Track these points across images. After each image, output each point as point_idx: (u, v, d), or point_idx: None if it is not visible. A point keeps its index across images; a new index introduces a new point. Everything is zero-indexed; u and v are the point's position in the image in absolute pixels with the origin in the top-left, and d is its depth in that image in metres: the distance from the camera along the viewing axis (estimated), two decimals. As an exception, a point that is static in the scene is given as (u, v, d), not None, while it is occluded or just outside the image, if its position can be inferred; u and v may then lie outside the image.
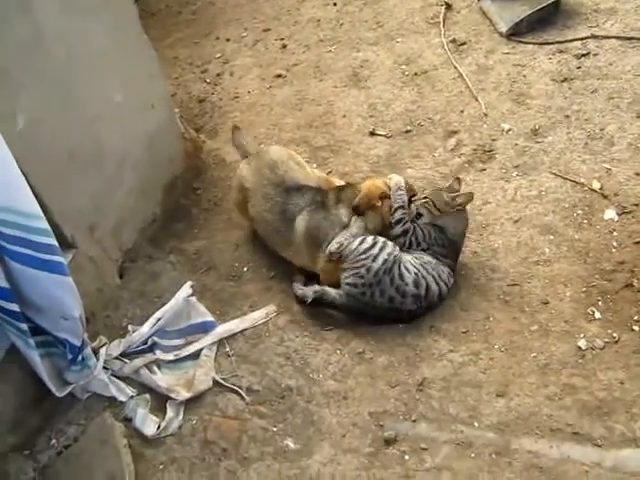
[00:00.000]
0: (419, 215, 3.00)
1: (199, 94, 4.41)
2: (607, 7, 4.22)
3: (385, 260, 2.82)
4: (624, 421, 2.46)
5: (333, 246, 2.93)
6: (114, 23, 2.97)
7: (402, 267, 2.84)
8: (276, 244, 3.20)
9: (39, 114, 2.54)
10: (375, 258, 2.83)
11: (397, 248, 2.91)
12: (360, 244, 2.88)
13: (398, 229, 2.96)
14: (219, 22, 5.06)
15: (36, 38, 2.51)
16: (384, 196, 2.99)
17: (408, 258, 2.90)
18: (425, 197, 2.99)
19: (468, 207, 3.25)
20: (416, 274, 2.84)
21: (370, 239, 2.90)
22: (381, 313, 2.88)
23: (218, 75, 4.55)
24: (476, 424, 2.54)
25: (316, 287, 2.96)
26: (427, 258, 2.92)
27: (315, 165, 3.63)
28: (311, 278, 3.09)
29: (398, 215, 2.96)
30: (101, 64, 2.92)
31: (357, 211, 2.99)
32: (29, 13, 2.46)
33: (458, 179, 3.06)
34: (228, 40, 4.85)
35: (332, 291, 2.92)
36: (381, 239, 2.91)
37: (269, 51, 4.66)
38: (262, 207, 3.15)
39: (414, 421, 2.58)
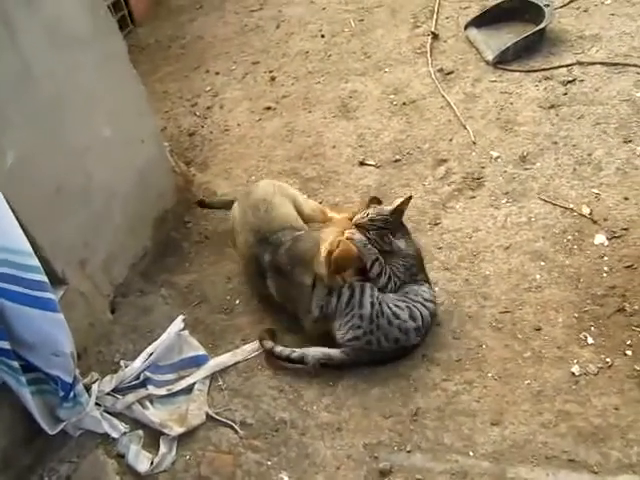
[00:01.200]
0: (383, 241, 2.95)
1: (189, 127, 4.44)
2: (591, 34, 4.27)
3: (372, 303, 2.79)
4: (620, 447, 2.44)
5: (315, 313, 2.90)
6: (103, 58, 2.99)
7: (392, 306, 2.80)
8: (267, 295, 3.16)
9: (27, 150, 2.55)
10: (361, 304, 2.79)
11: (375, 287, 2.87)
12: (339, 299, 2.84)
13: (383, 280, 2.89)
14: (208, 56, 5.11)
15: (24, 74, 2.54)
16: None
17: (391, 297, 2.86)
18: (369, 222, 2.92)
19: (459, 235, 3.28)
20: (407, 307, 2.81)
21: (346, 289, 2.85)
22: (390, 356, 2.83)
23: (208, 108, 4.58)
24: (471, 453, 2.52)
25: (318, 353, 2.84)
26: (406, 288, 2.91)
27: (306, 196, 3.62)
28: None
29: (376, 269, 2.88)
30: (90, 99, 2.94)
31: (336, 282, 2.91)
32: (17, 49, 2.48)
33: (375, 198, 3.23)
34: (217, 73, 4.90)
35: (336, 353, 2.83)
36: (356, 284, 2.86)
37: (258, 84, 4.70)
38: (244, 254, 3.17)
39: (409, 452, 2.57)
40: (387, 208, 2.95)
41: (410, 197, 2.96)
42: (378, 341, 2.77)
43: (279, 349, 2.91)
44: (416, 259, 2.97)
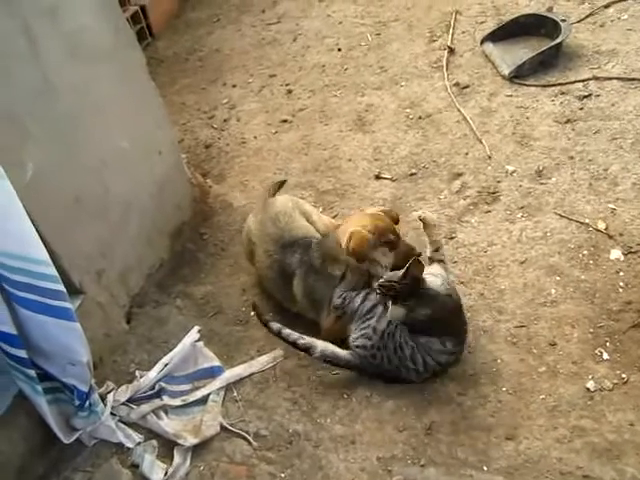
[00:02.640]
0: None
1: (206, 139, 4.47)
2: (608, 49, 4.27)
3: (389, 322, 2.77)
4: (635, 463, 2.43)
5: (336, 301, 2.92)
6: (121, 71, 3.03)
7: (403, 339, 2.74)
8: (282, 300, 3.20)
9: (47, 162, 2.58)
10: (380, 318, 2.79)
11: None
12: (363, 301, 2.86)
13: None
14: (226, 68, 5.16)
15: (45, 87, 2.57)
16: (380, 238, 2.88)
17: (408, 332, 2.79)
18: (378, 292, 2.72)
19: (474, 249, 3.27)
20: (412, 348, 2.73)
21: (373, 297, 2.85)
22: (388, 379, 2.82)
23: (225, 121, 4.61)
24: (485, 468, 2.51)
25: (327, 350, 2.85)
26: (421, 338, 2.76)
27: (321, 209, 3.65)
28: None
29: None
30: (108, 111, 2.97)
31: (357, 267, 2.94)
32: (38, 62, 2.52)
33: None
34: (234, 86, 4.94)
35: (343, 353, 2.83)
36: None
37: (275, 96, 4.73)
38: (264, 264, 3.15)
39: (422, 466, 2.56)
40: (399, 273, 2.66)
41: (419, 255, 2.83)
42: (382, 359, 2.76)
43: (287, 331, 2.94)
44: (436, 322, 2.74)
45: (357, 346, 2.81)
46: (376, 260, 2.90)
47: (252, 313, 3.25)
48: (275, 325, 3.01)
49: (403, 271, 2.61)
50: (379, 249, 2.89)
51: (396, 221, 3.03)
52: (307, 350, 2.87)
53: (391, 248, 2.91)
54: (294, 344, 2.92)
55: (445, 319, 2.73)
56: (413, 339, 2.74)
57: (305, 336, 2.91)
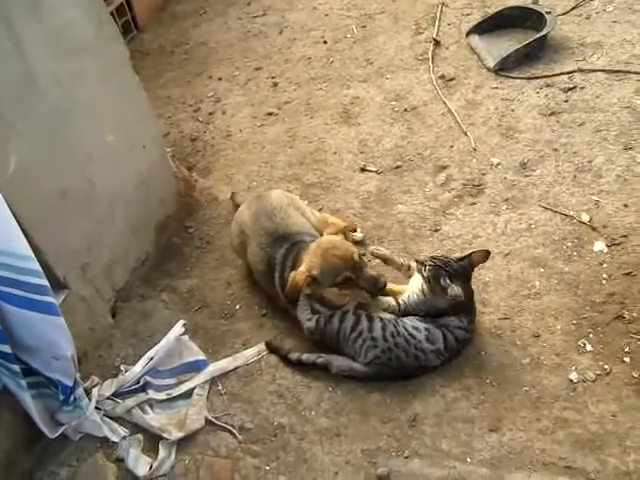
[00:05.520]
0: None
1: (192, 133, 4.46)
2: (593, 41, 4.29)
3: (382, 326, 2.77)
4: (617, 454, 2.45)
5: (309, 325, 2.90)
6: (105, 65, 3.02)
7: (409, 327, 2.77)
8: (271, 294, 3.18)
9: (31, 156, 2.57)
10: (370, 328, 2.78)
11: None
12: (341, 323, 2.83)
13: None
14: (211, 61, 5.15)
15: (29, 82, 2.56)
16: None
17: (411, 318, 2.84)
18: (431, 265, 2.80)
19: (459, 241, 3.28)
20: (426, 329, 2.77)
21: (350, 314, 2.85)
22: (411, 372, 2.80)
23: (210, 114, 4.60)
24: (469, 459, 2.53)
25: (343, 366, 2.84)
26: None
27: (307, 202, 3.63)
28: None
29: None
30: (93, 106, 2.96)
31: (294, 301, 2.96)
32: (22, 57, 2.50)
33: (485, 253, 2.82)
34: (220, 79, 4.93)
35: (360, 368, 2.81)
36: (362, 312, 2.86)
37: (261, 89, 4.73)
38: (257, 257, 3.13)
39: (407, 457, 2.57)
40: (455, 255, 2.85)
41: (488, 252, 2.82)
42: (397, 358, 2.74)
43: (305, 356, 2.91)
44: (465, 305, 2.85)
45: (370, 361, 2.78)
46: (328, 298, 2.92)
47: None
48: (294, 355, 2.95)
49: (465, 255, 2.80)
50: (330, 290, 2.87)
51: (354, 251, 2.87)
52: (326, 367, 2.87)
53: (348, 286, 2.85)
54: (314, 364, 2.90)
55: (468, 299, 2.82)
56: (430, 322, 2.79)
57: (323, 354, 2.89)
